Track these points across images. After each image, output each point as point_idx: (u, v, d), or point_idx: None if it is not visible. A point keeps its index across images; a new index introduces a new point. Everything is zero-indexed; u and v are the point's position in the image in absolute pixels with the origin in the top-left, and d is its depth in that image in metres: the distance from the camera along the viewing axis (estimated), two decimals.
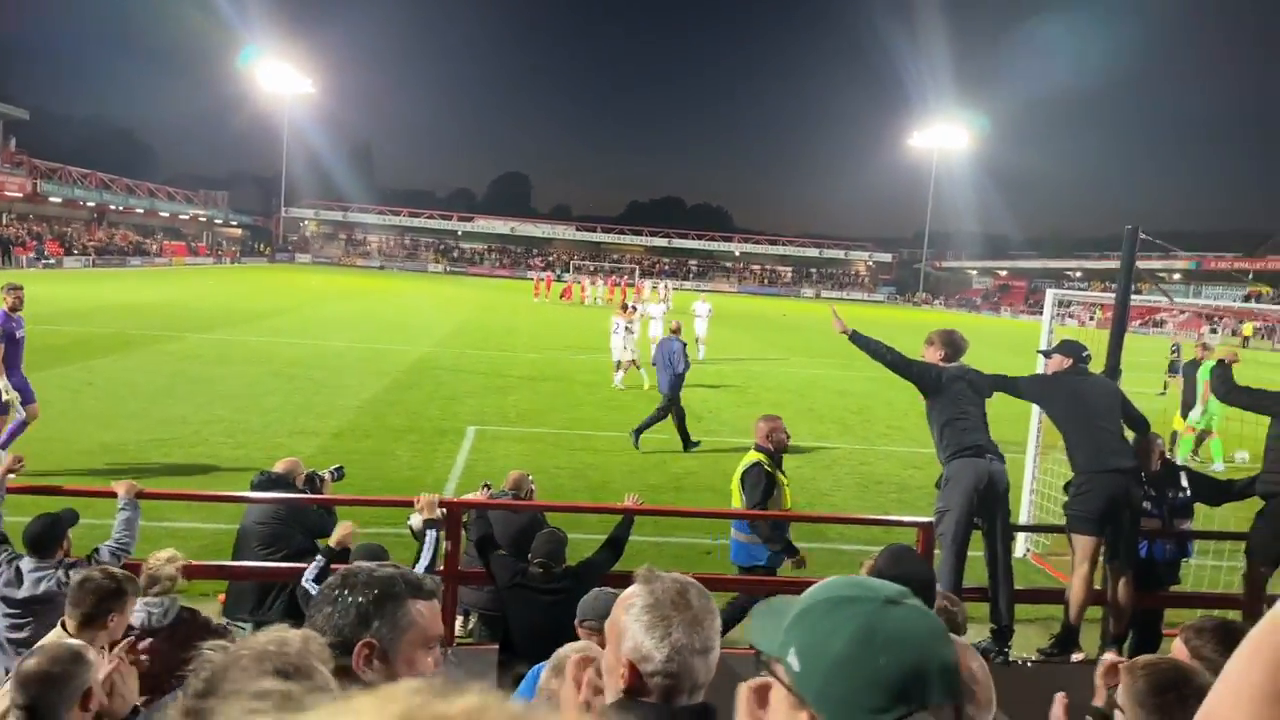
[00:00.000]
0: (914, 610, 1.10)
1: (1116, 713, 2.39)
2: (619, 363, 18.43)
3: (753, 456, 6.56)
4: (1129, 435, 5.78)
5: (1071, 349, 5.89)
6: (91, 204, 69.31)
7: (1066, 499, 5.71)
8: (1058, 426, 5.76)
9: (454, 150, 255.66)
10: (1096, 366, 6.42)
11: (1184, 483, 6.14)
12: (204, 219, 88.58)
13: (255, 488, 6.11)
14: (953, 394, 5.67)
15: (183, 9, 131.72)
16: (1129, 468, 5.53)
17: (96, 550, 4.33)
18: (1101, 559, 5.57)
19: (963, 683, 1.10)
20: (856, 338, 6.01)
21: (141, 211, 77.13)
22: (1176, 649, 2.85)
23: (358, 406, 14.41)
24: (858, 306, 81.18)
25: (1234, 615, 4.95)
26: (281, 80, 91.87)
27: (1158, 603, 6.07)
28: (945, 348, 5.95)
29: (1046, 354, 6.30)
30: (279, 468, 6.38)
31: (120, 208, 73.60)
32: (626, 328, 18.26)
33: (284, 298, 39.05)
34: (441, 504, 4.88)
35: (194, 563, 5.33)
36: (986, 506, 5.43)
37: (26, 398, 9.90)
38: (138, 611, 3.77)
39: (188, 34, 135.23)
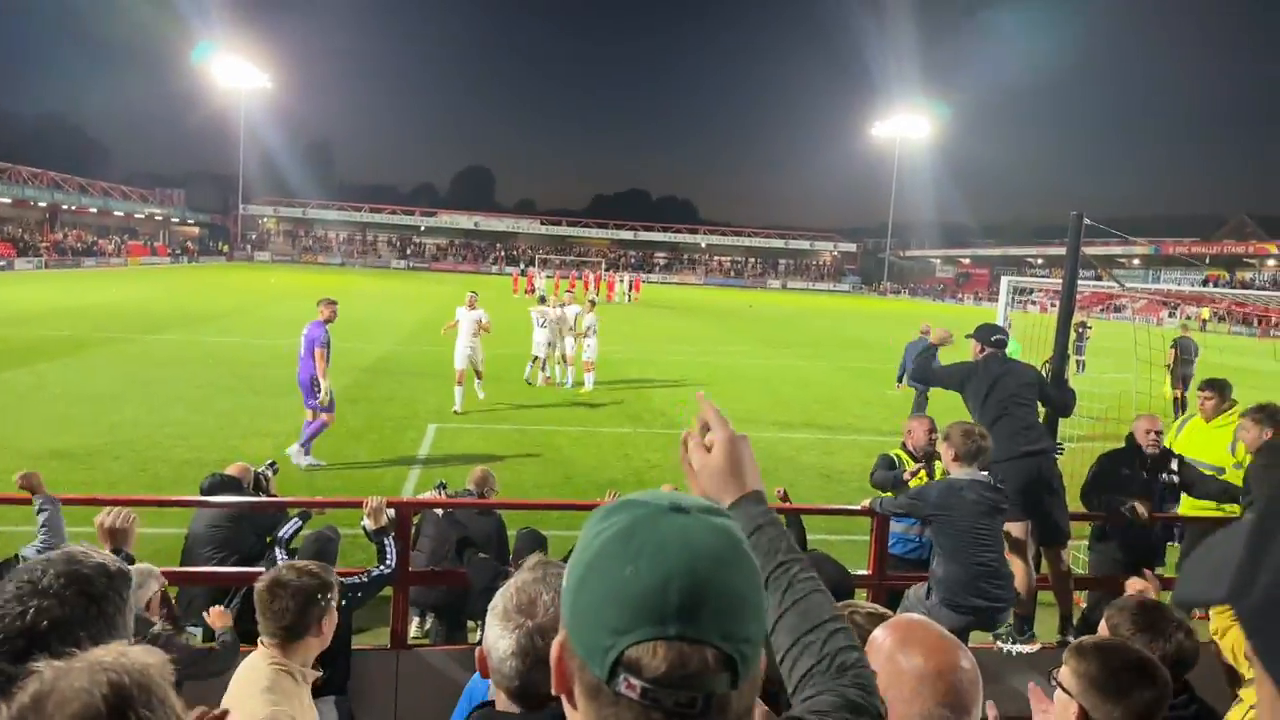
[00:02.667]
0: (702, 522, 0.88)
1: (1060, 696, 2.36)
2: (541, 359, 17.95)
3: None
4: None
5: (983, 333, 5.95)
6: (43, 204, 67.78)
7: None
8: (972, 414, 5.73)
9: (416, 145, 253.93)
10: (1047, 351, 6.49)
11: (1174, 468, 6.19)
12: (160, 218, 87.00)
13: (205, 491, 5.98)
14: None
15: (136, 4, 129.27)
16: (1041, 450, 5.56)
17: (18, 554, 4.15)
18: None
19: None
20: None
21: (95, 211, 75.57)
22: (1100, 628, 2.88)
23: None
24: (824, 297, 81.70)
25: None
26: (238, 76, 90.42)
27: (1115, 586, 6.14)
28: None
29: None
30: (231, 471, 6.25)
31: (73, 207, 72.05)
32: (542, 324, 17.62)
33: (241, 297, 38.46)
34: (390, 504, 4.78)
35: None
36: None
37: None
38: None
39: (141, 30, 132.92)
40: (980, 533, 4.78)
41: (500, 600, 1.76)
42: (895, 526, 6.29)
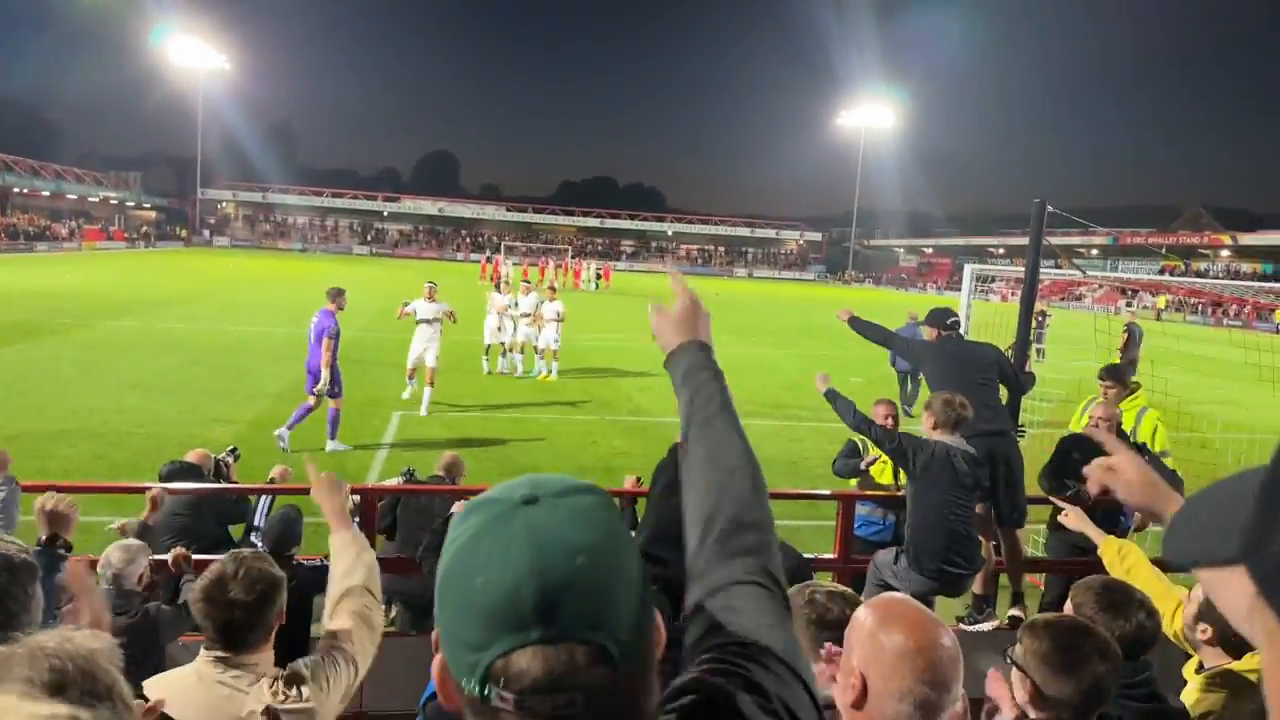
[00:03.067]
0: (555, 510, 0.83)
1: (1015, 673, 2.41)
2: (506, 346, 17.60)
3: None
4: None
5: (936, 317, 6.06)
6: None
7: None
8: (932, 390, 5.80)
9: (379, 129, 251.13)
10: (1008, 337, 6.58)
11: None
12: (115, 201, 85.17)
13: (164, 477, 5.85)
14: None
15: None
16: (1001, 430, 5.66)
17: None
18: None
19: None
20: (833, 399, 5.59)
21: (48, 194, 73.80)
22: (1067, 607, 2.94)
23: (277, 393, 14.00)
24: (790, 285, 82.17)
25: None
26: (195, 57, 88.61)
27: (1074, 568, 6.27)
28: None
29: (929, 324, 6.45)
30: (191, 457, 6.14)
31: (25, 190, 70.31)
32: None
33: (200, 282, 37.81)
34: (354, 490, 4.72)
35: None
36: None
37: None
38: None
39: (97, 9, 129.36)
40: (959, 501, 4.91)
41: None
42: (860, 509, 6.38)
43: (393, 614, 6.17)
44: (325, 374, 11.00)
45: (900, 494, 5.75)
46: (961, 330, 6.40)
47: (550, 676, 0.78)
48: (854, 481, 6.54)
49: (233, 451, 6.61)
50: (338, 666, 2.51)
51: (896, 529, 5.80)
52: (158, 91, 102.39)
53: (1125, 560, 3.73)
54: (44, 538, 3.31)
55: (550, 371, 17.08)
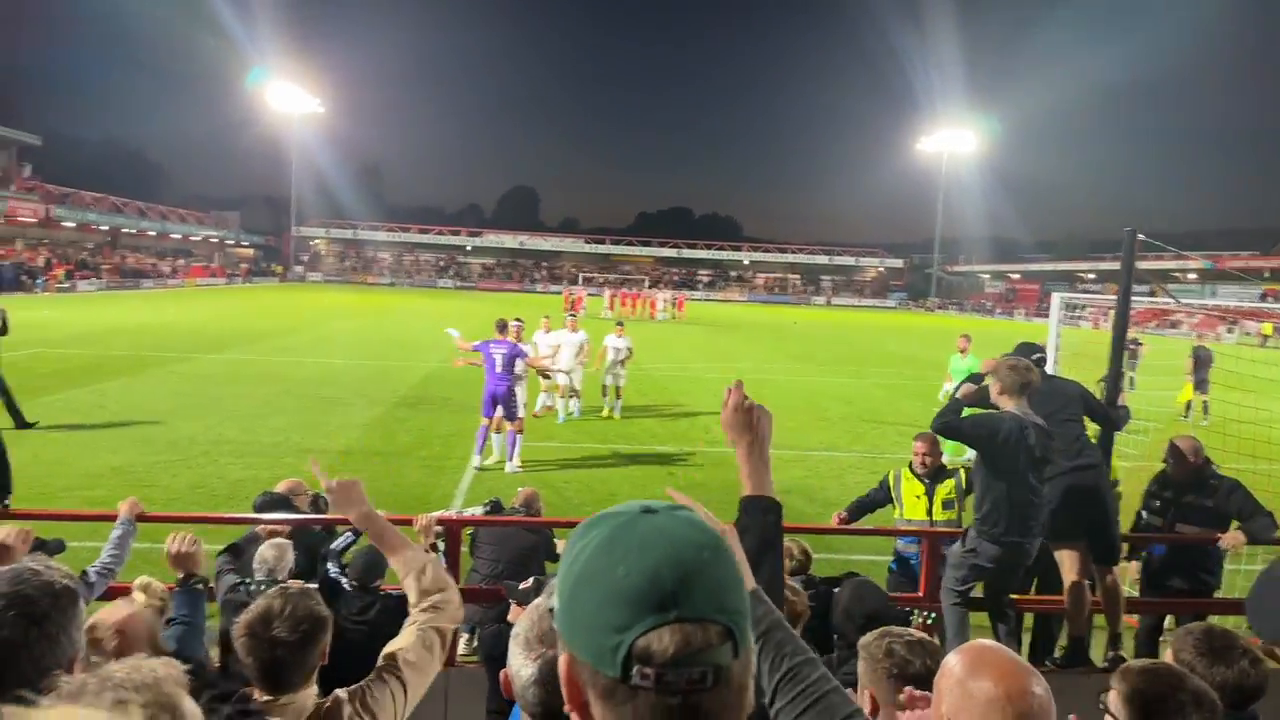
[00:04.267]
0: (674, 519, 0.96)
1: (1106, 718, 2.35)
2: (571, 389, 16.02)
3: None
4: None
5: (1021, 352, 5.89)
6: (104, 227, 70.04)
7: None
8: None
9: (462, 166, 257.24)
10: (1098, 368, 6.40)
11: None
12: (215, 240, 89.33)
13: (258, 509, 6.09)
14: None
15: (191, 31, 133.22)
16: (1091, 465, 5.48)
17: (84, 573, 4.31)
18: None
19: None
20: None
21: (154, 234, 77.91)
22: (1166, 654, 2.83)
23: (366, 424, 14.43)
24: (870, 313, 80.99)
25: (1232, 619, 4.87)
26: (290, 100, 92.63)
27: (1174, 609, 6.05)
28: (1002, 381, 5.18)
29: None
30: (280, 488, 6.37)
31: (133, 230, 74.37)
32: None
33: (294, 317, 39.24)
34: (440, 522, 4.84)
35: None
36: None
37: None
38: None
39: (196, 56, 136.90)
40: (1029, 472, 4.95)
41: (522, 628, 1.77)
42: (898, 543, 6.51)
43: (474, 644, 6.26)
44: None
45: (936, 530, 5.70)
46: (1047, 367, 6.25)
47: (689, 650, 0.87)
48: (895, 515, 6.51)
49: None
50: (385, 689, 2.43)
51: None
52: (254, 133, 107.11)
53: None
54: (181, 577, 3.68)
55: (614, 411, 16.25)
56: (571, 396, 15.91)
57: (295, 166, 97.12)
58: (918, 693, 1.93)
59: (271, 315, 39.51)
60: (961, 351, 15.06)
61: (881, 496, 6.56)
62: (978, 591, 5.33)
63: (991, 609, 5.30)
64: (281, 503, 6.16)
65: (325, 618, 2.61)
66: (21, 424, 12.74)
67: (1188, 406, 18.26)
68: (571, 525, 5.66)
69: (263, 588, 4.03)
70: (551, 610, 1.83)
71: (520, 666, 1.72)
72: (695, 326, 45.42)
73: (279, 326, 33.21)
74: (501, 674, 1.77)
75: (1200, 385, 18.19)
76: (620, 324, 17.01)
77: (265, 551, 4.41)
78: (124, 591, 4.29)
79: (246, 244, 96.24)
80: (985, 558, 5.02)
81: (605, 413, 16.19)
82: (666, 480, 11.82)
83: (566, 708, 0.97)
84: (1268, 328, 49.13)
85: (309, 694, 2.49)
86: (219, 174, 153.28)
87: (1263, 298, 55.00)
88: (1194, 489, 5.91)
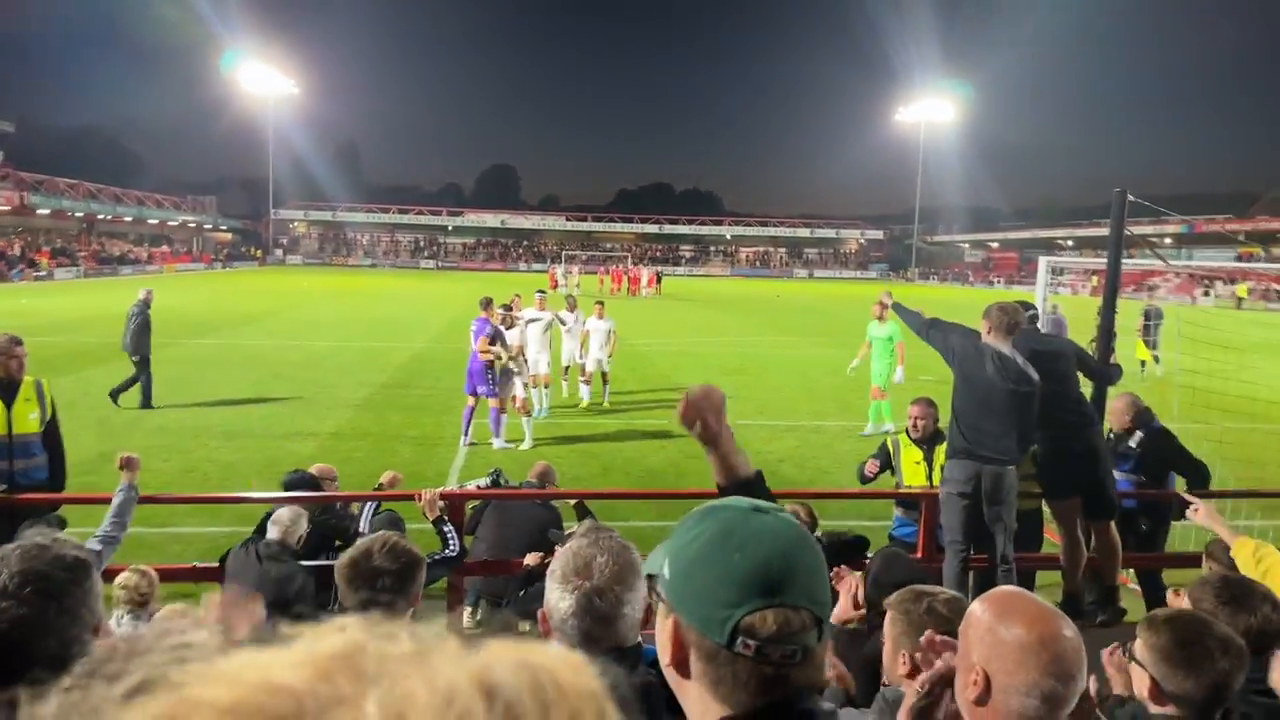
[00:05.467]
0: (779, 519, 1.13)
1: (1134, 668, 2.38)
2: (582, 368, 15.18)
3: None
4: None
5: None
6: (80, 214, 69.06)
7: (1034, 470, 5.75)
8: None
9: (441, 145, 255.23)
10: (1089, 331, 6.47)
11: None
12: (193, 224, 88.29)
13: (286, 486, 6.18)
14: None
15: (163, 14, 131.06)
16: (1081, 422, 5.60)
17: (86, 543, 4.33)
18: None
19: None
20: (899, 309, 6.13)
21: (130, 219, 76.90)
22: (1184, 602, 2.87)
23: (355, 405, 14.39)
24: (852, 285, 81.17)
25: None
26: (265, 82, 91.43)
27: (1145, 561, 6.22)
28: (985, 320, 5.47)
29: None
30: (314, 470, 6.48)
31: (109, 216, 73.35)
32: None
33: (276, 300, 38.96)
34: (443, 497, 4.88)
35: (200, 565, 5.38)
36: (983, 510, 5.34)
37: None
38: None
39: (170, 39, 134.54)
40: (991, 399, 5.15)
41: (558, 565, 1.87)
42: (898, 511, 6.54)
43: (478, 614, 6.30)
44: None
45: (935, 491, 5.78)
46: (1039, 324, 6.31)
47: (786, 630, 1.05)
48: (891, 483, 6.58)
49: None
50: None
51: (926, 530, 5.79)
52: (230, 117, 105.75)
53: (1262, 562, 3.56)
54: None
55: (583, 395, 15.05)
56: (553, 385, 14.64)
57: (272, 149, 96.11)
58: (938, 637, 1.95)
59: (253, 299, 39.19)
60: (878, 318, 13.64)
61: (885, 460, 6.60)
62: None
63: (988, 565, 5.37)
64: (310, 483, 6.21)
65: (422, 559, 2.80)
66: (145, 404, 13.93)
67: (1142, 364, 19.00)
68: (561, 497, 5.67)
69: (273, 549, 4.19)
70: (587, 546, 1.89)
71: (559, 600, 1.80)
72: (679, 302, 45.42)
73: (261, 310, 32.97)
74: (539, 613, 1.84)
75: (1151, 342, 19.20)
76: (600, 303, 15.52)
77: (282, 513, 4.50)
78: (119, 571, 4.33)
79: (225, 228, 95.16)
80: (956, 480, 5.24)
81: (584, 404, 14.83)
82: (659, 454, 11.88)
83: (666, 663, 1.15)
84: (1243, 290, 49.64)
85: None
86: (195, 158, 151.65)
87: (1238, 259, 55.47)
88: (1129, 438, 6.26)
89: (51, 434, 6.13)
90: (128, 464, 4.55)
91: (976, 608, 1.77)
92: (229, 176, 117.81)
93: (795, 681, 1.08)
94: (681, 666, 1.12)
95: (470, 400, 12.00)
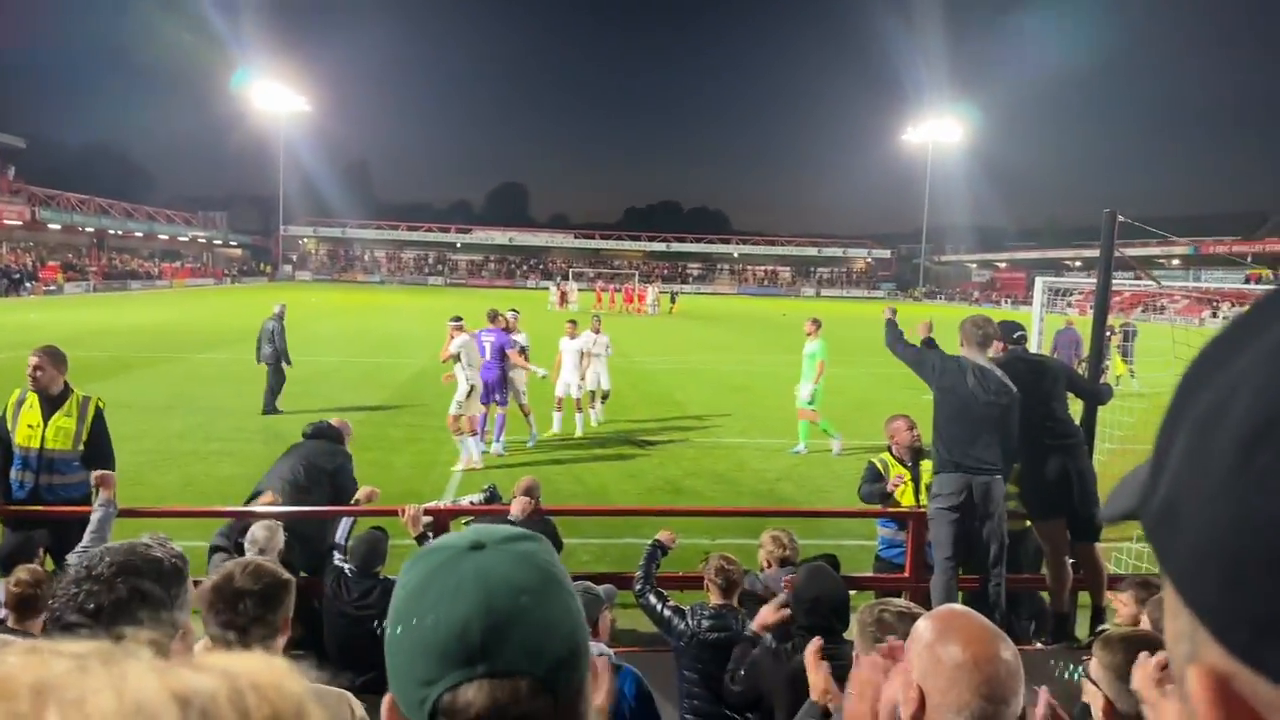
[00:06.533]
0: (502, 555, 0.89)
1: (1088, 687, 2.39)
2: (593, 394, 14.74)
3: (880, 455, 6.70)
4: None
5: (1003, 331, 5.98)
6: (90, 229, 69.59)
7: (1018, 490, 5.73)
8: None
9: (451, 163, 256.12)
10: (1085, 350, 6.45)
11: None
12: (203, 240, 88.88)
13: (309, 434, 6.69)
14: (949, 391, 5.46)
15: (175, 32, 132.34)
16: (1070, 443, 5.60)
17: (64, 560, 4.37)
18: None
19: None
20: (889, 325, 6.17)
21: (141, 235, 77.46)
22: (1143, 621, 2.87)
23: (357, 421, 14.28)
24: (858, 304, 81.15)
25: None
26: (276, 99, 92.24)
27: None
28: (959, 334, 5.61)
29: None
30: (334, 422, 7.02)
31: (119, 232, 73.91)
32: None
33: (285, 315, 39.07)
34: (428, 512, 4.88)
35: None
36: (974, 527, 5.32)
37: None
38: None
39: (181, 56, 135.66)
40: (971, 411, 5.21)
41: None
42: (883, 531, 6.41)
43: None
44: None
45: (922, 510, 5.74)
46: (1031, 345, 6.32)
47: (495, 707, 0.82)
48: (880, 504, 6.51)
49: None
50: None
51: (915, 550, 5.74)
52: (241, 134, 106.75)
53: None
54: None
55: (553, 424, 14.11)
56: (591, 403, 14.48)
57: (282, 166, 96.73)
58: (898, 642, 1.95)
59: (260, 315, 39.29)
60: (809, 335, 13.90)
61: (876, 477, 6.53)
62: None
63: (979, 585, 5.35)
64: (332, 433, 6.48)
65: (289, 581, 2.66)
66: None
67: (1118, 378, 19.17)
68: (560, 514, 5.67)
69: None
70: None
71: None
72: (685, 320, 45.47)
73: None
74: (385, 701, 1.80)
75: (1129, 358, 19.76)
76: (597, 318, 15.27)
77: (256, 531, 4.50)
78: None
79: (234, 244, 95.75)
80: (945, 494, 5.26)
81: (577, 431, 14.04)
82: (657, 470, 11.88)
83: None
84: None
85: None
86: (206, 175, 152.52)
87: (1246, 281, 55.33)
88: None
89: (93, 453, 5.92)
90: (103, 481, 4.57)
91: (921, 624, 1.78)
92: (239, 193, 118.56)
93: None
94: None
95: (481, 409, 12.25)
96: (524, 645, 0.84)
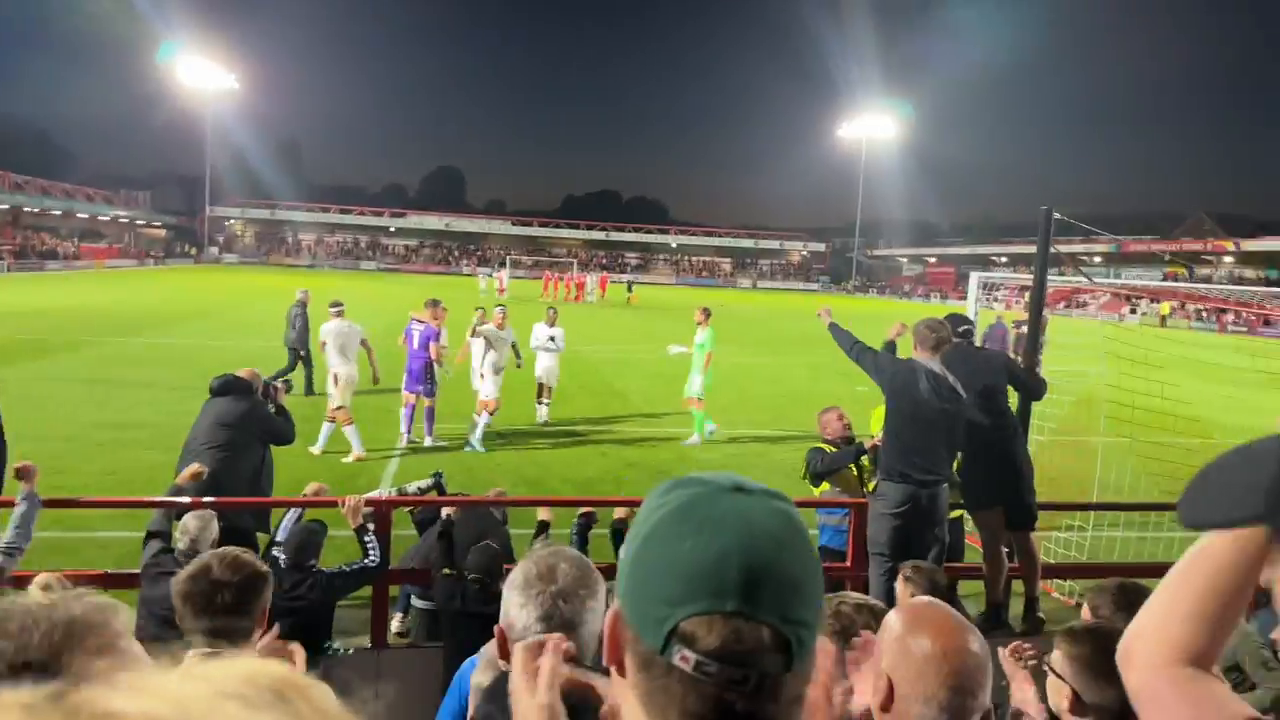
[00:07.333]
0: (763, 505, 0.87)
1: (1052, 680, 2.42)
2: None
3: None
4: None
5: (952, 323, 6.06)
6: (4, 206, 66.52)
7: (959, 481, 5.82)
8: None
9: (386, 145, 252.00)
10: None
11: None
12: (125, 220, 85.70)
13: (216, 389, 6.21)
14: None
15: (98, 3, 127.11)
16: (1005, 434, 5.72)
17: None
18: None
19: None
20: (833, 328, 6.06)
21: (59, 213, 74.35)
22: (1083, 612, 2.93)
23: (291, 407, 14.03)
24: (795, 296, 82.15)
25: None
26: (203, 76, 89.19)
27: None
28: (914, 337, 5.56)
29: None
30: (242, 373, 6.52)
31: (35, 209, 70.79)
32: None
33: (209, 299, 38.03)
34: (369, 503, 4.78)
35: (112, 572, 5.19)
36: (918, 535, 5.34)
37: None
38: None
39: (104, 29, 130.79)
40: (923, 417, 5.19)
41: (519, 573, 1.78)
42: (829, 519, 6.40)
43: (408, 621, 6.15)
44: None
45: (863, 501, 5.74)
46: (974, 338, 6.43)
47: (736, 648, 0.81)
48: (820, 490, 6.45)
49: (285, 381, 6.98)
50: None
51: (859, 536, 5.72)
52: (166, 111, 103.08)
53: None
54: None
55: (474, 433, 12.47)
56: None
57: (209, 145, 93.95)
58: (870, 636, 1.96)
59: (186, 298, 38.17)
60: (699, 325, 13.40)
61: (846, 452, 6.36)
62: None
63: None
64: (240, 386, 6.25)
65: (266, 573, 2.67)
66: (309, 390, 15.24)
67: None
68: (495, 504, 5.57)
69: (184, 557, 4.01)
70: (548, 554, 1.83)
71: (520, 609, 1.72)
72: (624, 309, 45.45)
73: (194, 309, 32.13)
74: (496, 629, 1.76)
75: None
76: (553, 310, 14.53)
77: (188, 520, 4.34)
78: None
79: (158, 225, 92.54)
80: (890, 502, 5.24)
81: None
82: (599, 461, 11.85)
83: (605, 659, 0.93)
84: (1165, 308, 51.44)
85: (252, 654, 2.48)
86: (128, 153, 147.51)
87: (1164, 279, 57.47)
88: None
89: None
90: (24, 473, 4.35)
91: (892, 616, 1.81)
92: (164, 172, 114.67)
93: (747, 714, 0.82)
94: (620, 668, 0.91)
95: (409, 399, 12.05)
96: (777, 595, 0.82)
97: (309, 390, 15.29)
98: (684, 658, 0.81)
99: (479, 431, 12.15)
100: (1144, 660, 1.05)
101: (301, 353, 15.89)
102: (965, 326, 6.13)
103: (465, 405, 13.15)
